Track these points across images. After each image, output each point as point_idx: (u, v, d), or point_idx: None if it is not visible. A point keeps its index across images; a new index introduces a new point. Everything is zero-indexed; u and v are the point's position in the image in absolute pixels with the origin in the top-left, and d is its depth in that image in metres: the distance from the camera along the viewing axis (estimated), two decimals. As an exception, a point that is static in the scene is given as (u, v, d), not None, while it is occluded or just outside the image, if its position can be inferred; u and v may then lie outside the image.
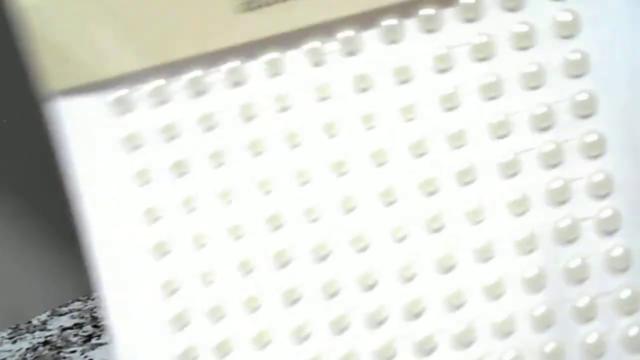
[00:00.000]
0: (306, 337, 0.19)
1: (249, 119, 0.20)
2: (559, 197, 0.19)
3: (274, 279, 0.20)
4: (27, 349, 0.46)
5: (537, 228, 0.19)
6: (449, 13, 0.19)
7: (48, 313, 0.51)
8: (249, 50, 0.19)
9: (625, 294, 0.19)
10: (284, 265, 0.20)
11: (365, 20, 0.19)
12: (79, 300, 0.53)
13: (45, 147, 0.48)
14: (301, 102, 0.20)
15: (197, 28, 0.19)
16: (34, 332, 0.48)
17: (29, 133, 0.47)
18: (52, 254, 0.50)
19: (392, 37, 0.20)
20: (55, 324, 0.49)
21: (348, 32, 0.19)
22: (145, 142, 0.19)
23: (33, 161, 0.48)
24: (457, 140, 0.20)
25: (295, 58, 0.20)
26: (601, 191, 0.19)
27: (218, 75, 0.20)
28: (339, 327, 0.19)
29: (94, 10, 0.19)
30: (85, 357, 0.45)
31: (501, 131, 0.19)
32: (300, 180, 0.20)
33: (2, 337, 0.48)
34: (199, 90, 0.20)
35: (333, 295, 0.20)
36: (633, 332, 0.19)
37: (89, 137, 0.19)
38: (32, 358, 0.45)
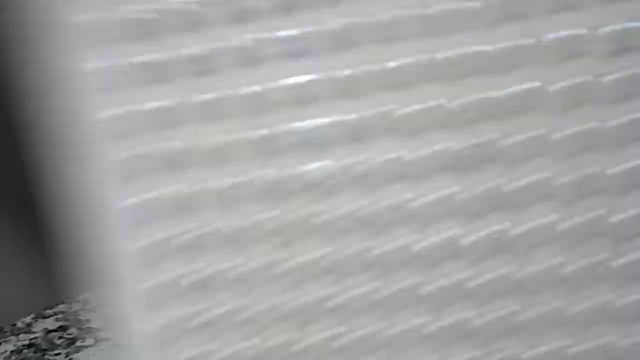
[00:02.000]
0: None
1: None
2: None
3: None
4: (12, 351, 0.46)
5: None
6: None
7: (33, 315, 0.51)
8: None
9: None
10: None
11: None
12: (63, 302, 0.53)
13: (23, 153, 0.48)
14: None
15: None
16: (18, 334, 0.48)
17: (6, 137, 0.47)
18: (36, 257, 0.50)
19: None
20: (40, 326, 0.49)
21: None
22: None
23: (13, 165, 0.48)
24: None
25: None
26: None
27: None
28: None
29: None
30: (70, 359, 0.45)
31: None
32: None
33: (-14, 339, 0.48)
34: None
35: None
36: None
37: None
38: (16, 360, 0.45)
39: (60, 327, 0.49)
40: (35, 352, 0.46)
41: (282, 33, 0.20)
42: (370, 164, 0.21)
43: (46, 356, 0.45)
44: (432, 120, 0.21)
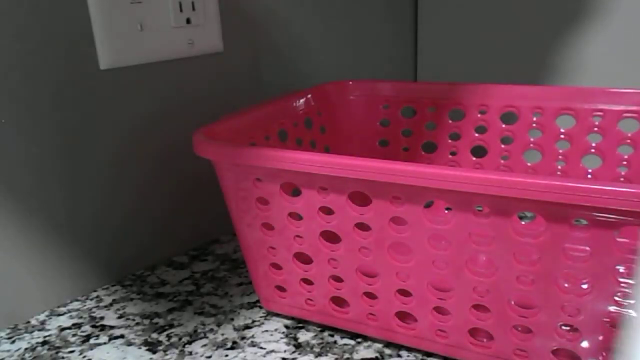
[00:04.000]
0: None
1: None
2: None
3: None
4: (26, 349, 0.46)
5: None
6: None
7: (46, 313, 0.51)
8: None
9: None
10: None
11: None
12: (77, 300, 0.53)
13: (42, 148, 0.48)
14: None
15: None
16: (32, 332, 0.48)
17: (26, 133, 0.47)
18: (50, 254, 0.50)
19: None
20: (54, 324, 0.49)
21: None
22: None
23: (32, 162, 0.48)
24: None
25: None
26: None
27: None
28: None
29: None
30: (84, 357, 0.45)
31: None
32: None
33: (1, 337, 0.48)
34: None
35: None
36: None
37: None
38: (30, 358, 0.45)
39: (74, 324, 0.49)
40: (49, 349, 0.46)
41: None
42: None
43: (60, 353, 0.45)
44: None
